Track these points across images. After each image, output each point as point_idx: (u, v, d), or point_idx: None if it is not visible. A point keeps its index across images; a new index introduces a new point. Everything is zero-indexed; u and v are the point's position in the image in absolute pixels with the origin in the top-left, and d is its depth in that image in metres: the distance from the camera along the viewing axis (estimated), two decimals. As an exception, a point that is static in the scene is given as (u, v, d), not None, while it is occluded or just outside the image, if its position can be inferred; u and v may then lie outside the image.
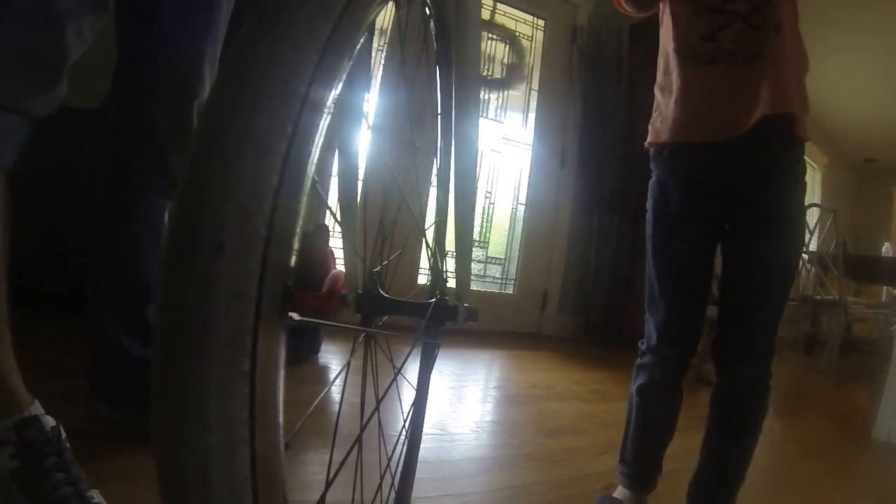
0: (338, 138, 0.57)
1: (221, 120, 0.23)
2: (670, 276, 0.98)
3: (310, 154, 0.25)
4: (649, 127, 1.03)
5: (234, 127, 0.22)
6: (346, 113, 0.56)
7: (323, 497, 0.36)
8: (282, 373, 0.26)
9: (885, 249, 4.42)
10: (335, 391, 1.48)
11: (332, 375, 1.64)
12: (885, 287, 4.38)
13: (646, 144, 1.04)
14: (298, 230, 0.25)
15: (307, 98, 0.24)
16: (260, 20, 0.24)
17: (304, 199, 0.25)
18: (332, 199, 0.56)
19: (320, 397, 1.51)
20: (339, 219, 0.60)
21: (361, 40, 0.31)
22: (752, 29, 0.88)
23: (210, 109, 0.23)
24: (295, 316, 0.26)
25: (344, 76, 0.28)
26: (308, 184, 0.26)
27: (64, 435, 0.69)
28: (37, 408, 0.68)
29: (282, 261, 0.24)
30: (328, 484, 0.37)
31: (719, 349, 0.95)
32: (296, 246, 0.26)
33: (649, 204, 1.02)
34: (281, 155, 0.23)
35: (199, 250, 0.21)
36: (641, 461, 1.03)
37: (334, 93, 0.27)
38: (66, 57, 0.64)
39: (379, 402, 0.55)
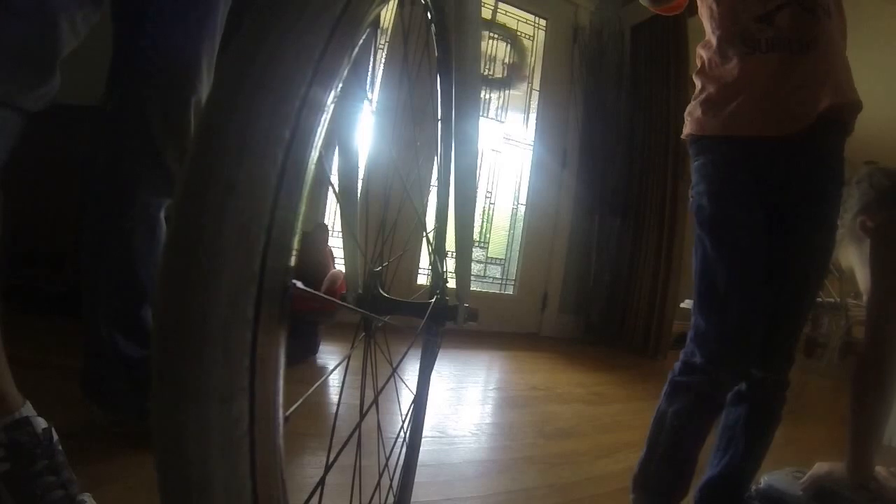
0: (338, 134, 0.56)
1: (240, 68, 0.24)
2: (742, 265, 0.84)
3: (321, 118, 0.25)
4: (687, 116, 0.95)
5: (252, 75, 0.23)
6: (346, 109, 0.55)
7: (322, 480, 0.35)
8: (284, 333, 0.25)
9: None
10: (333, 392, 1.46)
11: (334, 376, 1.62)
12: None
13: (683, 136, 0.96)
14: (306, 193, 0.25)
15: (319, 67, 0.25)
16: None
17: (314, 159, 0.26)
18: (335, 185, 0.56)
19: (320, 381, 1.50)
20: (339, 199, 0.58)
21: (373, 13, 0.31)
22: (806, 13, 0.83)
23: (230, 60, 0.24)
24: (298, 284, 0.26)
25: (355, 49, 0.29)
26: (318, 146, 0.26)
27: (56, 437, 0.68)
28: (28, 409, 0.67)
29: (289, 217, 0.24)
30: (327, 468, 0.36)
31: None
32: (303, 206, 0.25)
33: (701, 189, 0.90)
34: (295, 110, 0.24)
35: (212, 187, 0.21)
36: (672, 485, 0.91)
37: (346, 64, 0.27)
38: (60, 51, 0.63)
39: (377, 394, 0.54)
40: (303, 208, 0.25)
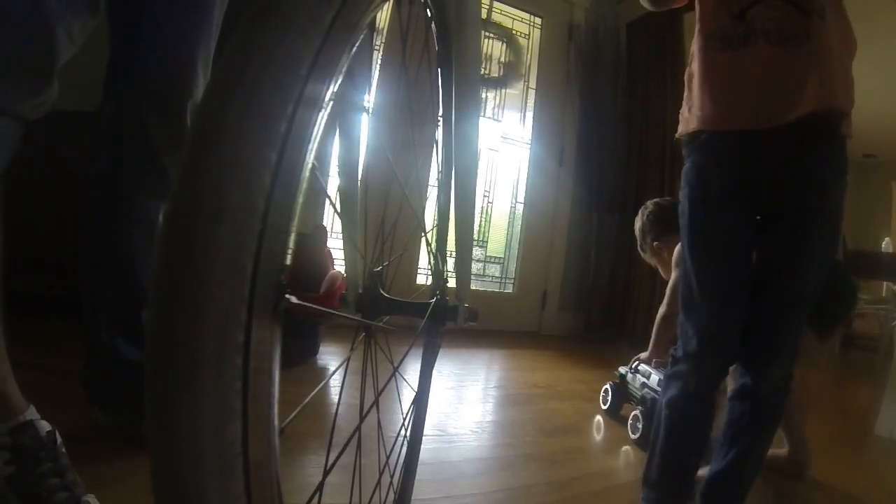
0: (339, 131, 0.57)
1: (226, 91, 0.23)
2: (713, 271, 0.89)
3: (309, 137, 0.25)
4: (680, 117, 0.97)
5: (237, 100, 0.23)
6: (346, 108, 0.55)
7: (321, 484, 0.35)
8: (278, 352, 0.26)
9: (885, 245, 4.42)
10: (334, 393, 1.47)
11: (333, 377, 1.63)
12: (885, 283, 4.38)
13: (677, 136, 0.98)
14: (296, 214, 0.25)
15: (309, 78, 0.25)
16: (263, 6, 0.25)
17: (304, 182, 0.26)
18: (332, 192, 0.56)
19: (321, 385, 1.50)
20: (338, 210, 0.59)
21: (364, 26, 0.31)
22: (791, 6, 0.82)
23: (216, 80, 0.24)
24: (293, 298, 0.26)
25: (343, 66, 0.28)
26: (308, 166, 0.26)
27: (59, 440, 0.69)
28: (32, 412, 0.68)
29: (279, 239, 0.24)
30: (326, 472, 0.37)
31: (745, 349, 0.89)
32: (293, 226, 0.25)
33: (684, 192, 0.93)
34: (281, 133, 0.24)
35: (200, 214, 0.21)
36: (672, 483, 0.94)
37: (334, 83, 0.27)
38: (57, 59, 0.63)
39: (378, 394, 0.54)
40: (293, 228, 0.25)
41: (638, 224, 1.73)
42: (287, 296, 0.26)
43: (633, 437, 1.45)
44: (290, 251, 0.26)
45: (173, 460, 0.21)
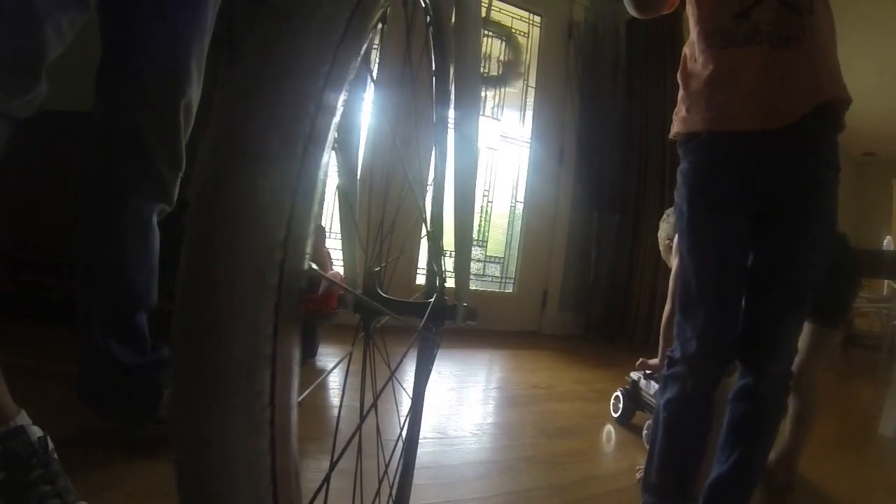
0: (340, 126, 0.55)
1: (268, 49, 0.25)
2: (712, 273, 0.88)
3: (326, 141, 0.26)
4: (674, 117, 0.96)
5: (278, 58, 0.24)
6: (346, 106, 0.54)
7: (327, 477, 0.35)
8: (301, 311, 0.26)
9: (887, 243, 4.42)
10: (333, 395, 1.46)
11: (331, 379, 1.62)
12: (886, 281, 4.36)
13: (671, 136, 0.97)
14: (314, 216, 0.26)
15: (328, 80, 0.26)
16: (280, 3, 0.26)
17: (323, 184, 0.26)
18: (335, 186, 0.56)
19: (327, 374, 1.50)
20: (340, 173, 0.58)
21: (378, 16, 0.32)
22: (786, 7, 0.82)
23: (251, 50, 0.25)
24: (313, 265, 0.26)
25: (358, 63, 0.29)
26: (326, 169, 0.26)
27: (51, 446, 0.68)
28: (23, 418, 0.67)
29: (309, 191, 0.25)
30: (332, 465, 0.36)
31: (746, 348, 0.89)
32: (322, 176, 0.26)
33: (681, 193, 0.93)
34: (319, 89, 0.25)
35: (238, 158, 0.23)
36: (671, 487, 0.94)
37: (355, 66, 0.28)
38: (45, 56, 0.62)
39: (377, 396, 0.53)
40: (321, 182, 0.26)
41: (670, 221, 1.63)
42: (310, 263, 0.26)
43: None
44: (317, 207, 0.26)
45: (201, 405, 0.21)
